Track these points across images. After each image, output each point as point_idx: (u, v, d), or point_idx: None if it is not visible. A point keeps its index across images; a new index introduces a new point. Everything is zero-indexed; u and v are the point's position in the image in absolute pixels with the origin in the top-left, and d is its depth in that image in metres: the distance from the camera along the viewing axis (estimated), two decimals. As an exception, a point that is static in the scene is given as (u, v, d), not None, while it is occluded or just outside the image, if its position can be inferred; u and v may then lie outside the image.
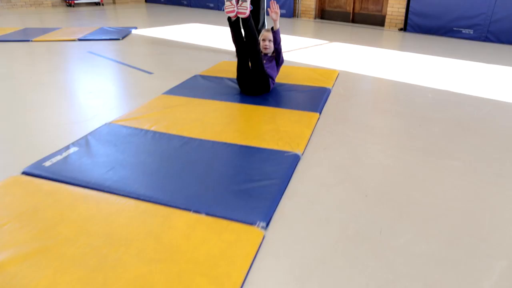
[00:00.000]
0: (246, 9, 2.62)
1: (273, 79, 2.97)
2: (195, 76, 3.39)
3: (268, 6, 3.06)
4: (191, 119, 2.44)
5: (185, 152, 2.01)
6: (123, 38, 5.34)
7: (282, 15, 7.68)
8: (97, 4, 10.19)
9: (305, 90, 3.03)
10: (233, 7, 2.62)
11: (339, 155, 2.05)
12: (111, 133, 2.24)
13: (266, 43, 3.05)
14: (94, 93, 3.07)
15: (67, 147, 2.06)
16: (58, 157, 1.93)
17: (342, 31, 6.20)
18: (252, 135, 2.22)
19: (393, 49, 4.82)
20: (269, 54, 3.11)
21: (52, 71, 3.70)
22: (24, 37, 5.26)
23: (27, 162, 1.89)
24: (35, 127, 2.42)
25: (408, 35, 5.82)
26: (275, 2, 2.94)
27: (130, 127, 2.31)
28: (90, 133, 2.24)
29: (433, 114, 2.67)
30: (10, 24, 6.51)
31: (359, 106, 2.80)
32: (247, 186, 1.68)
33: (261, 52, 2.89)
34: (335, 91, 3.12)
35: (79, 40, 5.17)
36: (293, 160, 1.93)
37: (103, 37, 5.29)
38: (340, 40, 5.30)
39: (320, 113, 2.60)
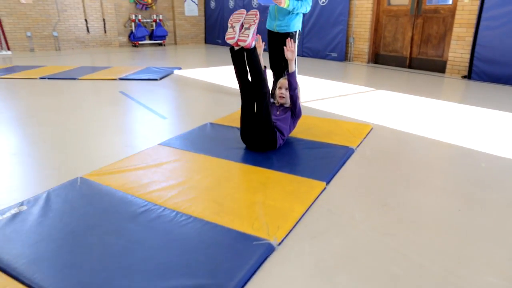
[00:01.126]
0: (247, 37, 2.23)
1: (282, 134, 2.54)
2: (205, 124, 3.09)
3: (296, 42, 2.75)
4: (169, 179, 2.09)
5: (135, 225, 1.64)
6: (161, 78, 5.33)
7: (332, 58, 7.30)
8: (160, 44, 10.76)
9: (321, 149, 2.54)
10: (234, 34, 2.25)
11: (330, 249, 1.52)
12: (75, 190, 1.96)
13: (282, 92, 2.67)
14: (92, 136, 2.90)
15: (21, 203, 1.81)
16: (3, 215, 1.69)
17: (395, 77, 5.61)
18: (228, 208, 1.78)
19: (452, 100, 4.12)
20: (286, 105, 2.71)
21: (63, 109, 3.67)
22: (73, 75, 5.49)
23: (-39, 222, 1.66)
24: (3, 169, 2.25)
25: (473, 84, 5.03)
26: (291, 39, 2.58)
27: (99, 185, 2.01)
28: (55, 188, 1.98)
29: (485, 193, 2.01)
30: (73, 62, 6.96)
31: (384, 175, 2.23)
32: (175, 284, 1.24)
33: (270, 98, 2.47)
34: (360, 152, 2.58)
35: (120, 79, 5.25)
36: (262, 253, 1.45)
37: (143, 77, 5.33)
38: (389, 88, 4.72)
39: (328, 183, 2.08)
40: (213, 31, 11.08)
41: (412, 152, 2.62)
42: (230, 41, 2.26)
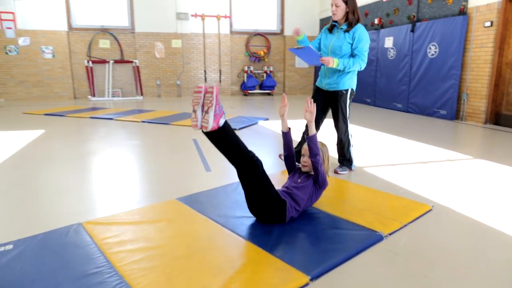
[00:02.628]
0: (207, 122, 1.95)
1: (298, 205, 2.19)
2: (235, 183, 2.92)
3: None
4: (149, 239, 1.96)
5: (71, 290, 1.54)
6: (240, 128, 5.42)
7: (441, 116, 6.37)
8: (268, 94, 11.23)
9: (339, 230, 2.08)
10: (196, 120, 2.01)
11: None
12: (63, 237, 2.01)
13: (305, 159, 2.35)
14: (122, 181, 3.02)
15: (4, 244, 1.92)
16: None
17: (513, 144, 4.49)
18: (173, 289, 1.54)
19: None
20: (311, 173, 2.36)
21: (134, 150, 3.96)
22: (169, 120, 6.05)
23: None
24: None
25: None
26: (310, 100, 2.28)
27: (85, 235, 2.02)
28: (46, 233, 2.06)
29: None
30: (181, 108, 7.76)
31: (404, 283, 1.66)
32: None
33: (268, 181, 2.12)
34: (391, 241, 2.01)
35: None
36: None
37: (233, 126, 5.50)
38: (496, 158, 3.75)
39: (313, 279, 1.64)
40: (321, 83, 11.05)
41: (473, 255, 1.91)
42: (194, 128, 2.03)
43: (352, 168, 3.30)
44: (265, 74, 11.11)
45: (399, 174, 3.23)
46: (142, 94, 10.29)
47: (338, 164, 3.33)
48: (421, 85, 6.80)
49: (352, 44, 2.98)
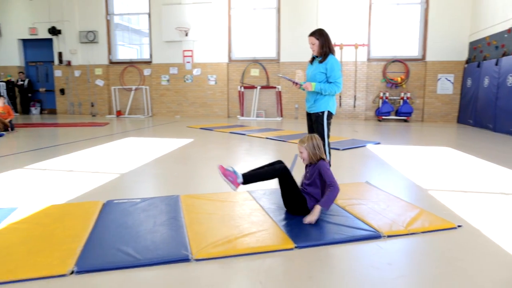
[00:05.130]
0: (233, 188, 2.77)
1: (315, 199, 2.78)
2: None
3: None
4: (210, 213, 2.91)
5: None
6: (343, 149, 5.92)
7: None
8: (404, 121, 11.03)
9: (344, 223, 2.57)
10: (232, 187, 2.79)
11: None
12: (167, 200, 3.15)
13: (301, 150, 2.92)
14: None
15: (136, 198, 3.18)
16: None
17: None
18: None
19: None
20: (312, 162, 2.89)
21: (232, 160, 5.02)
22: (288, 138, 7.03)
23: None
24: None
25: None
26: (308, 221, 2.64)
27: (179, 202, 3.12)
28: (160, 197, 3.25)
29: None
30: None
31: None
32: None
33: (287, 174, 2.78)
34: (387, 242, 2.39)
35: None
36: None
37: (335, 146, 6.08)
38: None
39: (298, 247, 2.26)
40: (466, 111, 10.21)
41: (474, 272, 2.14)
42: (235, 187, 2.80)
43: None
44: (401, 101, 10.99)
45: (464, 201, 3.30)
46: (281, 116, 11.68)
47: None
48: None
49: (325, 73, 3.46)
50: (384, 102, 11.01)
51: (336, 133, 8.11)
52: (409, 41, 11.14)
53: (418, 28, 10.97)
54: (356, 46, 10.96)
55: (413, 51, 11.11)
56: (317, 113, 3.60)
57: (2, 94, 11.52)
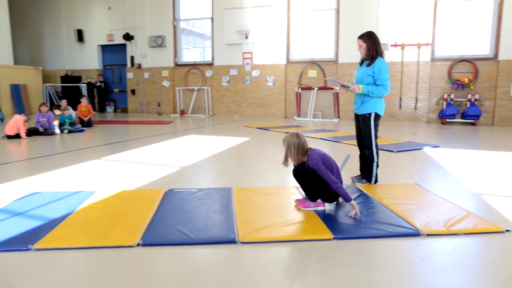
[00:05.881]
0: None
1: (327, 189, 2.94)
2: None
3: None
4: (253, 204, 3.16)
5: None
6: (397, 151, 5.84)
7: None
8: (472, 124, 10.40)
9: (385, 220, 2.66)
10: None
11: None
12: (220, 191, 3.46)
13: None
14: (268, 171, 4.28)
15: (193, 188, 3.54)
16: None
17: None
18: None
19: None
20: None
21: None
22: (342, 140, 7.07)
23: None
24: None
25: None
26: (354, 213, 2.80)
27: (232, 193, 3.42)
28: (215, 188, 3.57)
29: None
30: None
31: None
32: None
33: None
34: (426, 240, 2.44)
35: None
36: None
37: (385, 148, 6.03)
38: None
39: (336, 238, 2.42)
40: (543, 114, 9.36)
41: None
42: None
43: (372, 182, 3.74)
44: (468, 103, 10.37)
45: (517, 205, 3.19)
46: (338, 117, 11.62)
47: (359, 173, 3.85)
48: None
49: (373, 76, 3.46)
50: (448, 104, 10.46)
51: (394, 135, 7.95)
52: (479, 39, 10.46)
53: (490, 25, 10.26)
54: (419, 45, 10.56)
55: (484, 50, 10.41)
56: (364, 114, 3.66)
57: (84, 93, 12.89)
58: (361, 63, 3.76)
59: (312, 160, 2.91)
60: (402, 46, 10.68)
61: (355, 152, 5.48)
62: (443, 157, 5.42)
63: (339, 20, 11.39)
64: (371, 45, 3.56)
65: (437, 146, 6.39)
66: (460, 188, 3.79)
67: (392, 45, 10.81)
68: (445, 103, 10.56)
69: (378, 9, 10.81)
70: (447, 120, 10.56)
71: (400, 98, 11.02)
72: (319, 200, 2.97)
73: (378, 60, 3.56)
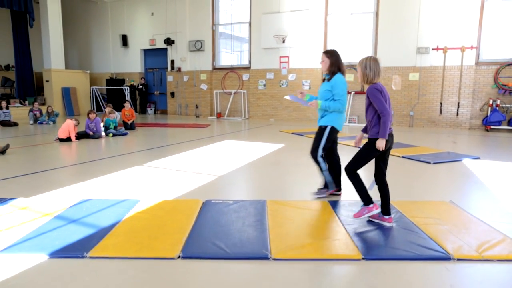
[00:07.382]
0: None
1: None
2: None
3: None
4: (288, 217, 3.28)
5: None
6: (434, 163, 5.73)
7: None
8: (519, 131, 9.90)
9: (416, 242, 2.70)
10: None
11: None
12: (254, 204, 3.63)
13: None
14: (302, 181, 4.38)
15: (229, 200, 3.73)
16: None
17: None
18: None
19: None
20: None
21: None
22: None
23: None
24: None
25: None
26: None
27: (266, 206, 3.57)
28: (250, 200, 3.74)
29: None
30: (408, 140, 8.47)
31: None
32: None
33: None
34: (456, 265, 2.46)
35: (402, 157, 6.20)
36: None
37: (422, 158, 5.94)
38: None
39: (365, 259, 2.49)
40: None
41: None
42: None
43: (329, 190, 3.90)
44: (516, 109, 9.87)
45: None
46: (375, 122, 11.42)
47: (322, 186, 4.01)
48: None
49: (331, 91, 3.58)
50: (494, 110, 10.02)
51: (433, 143, 7.76)
52: (529, 43, 9.91)
53: (541, 27, 9.70)
54: (463, 49, 10.18)
55: (534, 53, 9.86)
56: (321, 126, 3.84)
57: (127, 98, 13.58)
58: (324, 79, 3.92)
59: (371, 88, 3.05)
60: (445, 50, 10.34)
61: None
62: (483, 170, 5.26)
63: (378, 23, 11.21)
64: (334, 62, 3.71)
65: (478, 158, 6.19)
66: (499, 207, 3.70)
67: (433, 49, 10.51)
68: (490, 109, 10.12)
69: (419, 12, 10.54)
70: (492, 127, 10.11)
71: (441, 103, 10.69)
72: (370, 205, 3.08)
73: (337, 76, 3.70)
